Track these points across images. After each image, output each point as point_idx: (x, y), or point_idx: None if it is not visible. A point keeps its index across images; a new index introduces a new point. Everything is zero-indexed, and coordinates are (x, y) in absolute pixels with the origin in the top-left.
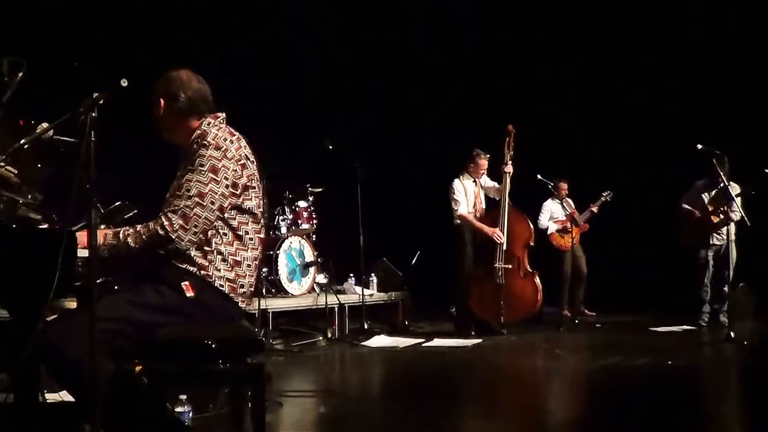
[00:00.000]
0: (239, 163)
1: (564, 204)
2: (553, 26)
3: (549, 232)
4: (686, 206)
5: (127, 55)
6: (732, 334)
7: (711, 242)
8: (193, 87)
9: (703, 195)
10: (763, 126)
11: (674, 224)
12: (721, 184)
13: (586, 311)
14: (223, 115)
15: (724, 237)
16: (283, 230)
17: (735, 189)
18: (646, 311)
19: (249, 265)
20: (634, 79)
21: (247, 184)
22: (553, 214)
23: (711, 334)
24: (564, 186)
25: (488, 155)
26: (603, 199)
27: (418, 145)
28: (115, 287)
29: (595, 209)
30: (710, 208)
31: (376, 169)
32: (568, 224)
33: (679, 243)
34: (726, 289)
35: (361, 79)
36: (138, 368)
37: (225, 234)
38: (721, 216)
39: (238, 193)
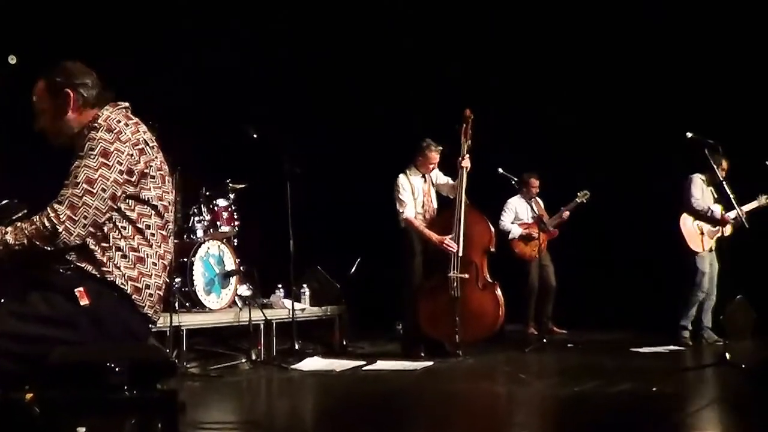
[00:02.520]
0: (136, 147)
1: (532, 204)
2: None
3: (511, 237)
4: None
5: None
6: (727, 355)
7: (710, 247)
8: (94, 74)
9: (706, 191)
10: (760, 117)
11: (675, 228)
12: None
13: (554, 329)
14: (126, 104)
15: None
16: (199, 233)
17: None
18: (626, 329)
19: (155, 264)
20: (615, 60)
21: (145, 171)
22: (518, 213)
23: (702, 356)
24: (535, 182)
25: (440, 148)
26: (578, 200)
27: (358, 133)
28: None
29: (566, 214)
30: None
31: (309, 162)
32: (535, 230)
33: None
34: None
35: (290, 56)
36: (28, 396)
37: (124, 227)
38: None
39: (134, 180)
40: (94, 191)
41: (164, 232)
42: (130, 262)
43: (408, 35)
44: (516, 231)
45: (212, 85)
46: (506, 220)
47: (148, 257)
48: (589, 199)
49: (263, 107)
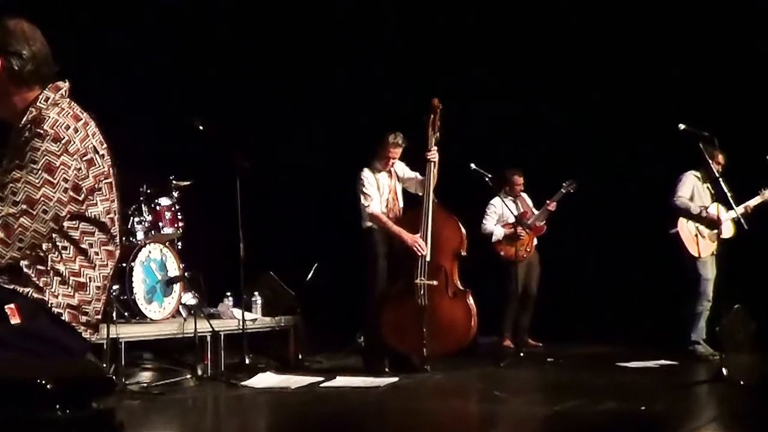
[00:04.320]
0: (84, 159)
1: (518, 202)
2: None
3: (495, 239)
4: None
5: None
6: (724, 371)
7: (712, 252)
8: (38, 44)
9: (702, 190)
10: (759, 110)
11: (669, 232)
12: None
13: (530, 341)
14: (67, 85)
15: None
16: (140, 236)
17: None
18: (612, 341)
19: (98, 288)
20: (605, 46)
21: (94, 186)
22: (503, 216)
23: (696, 371)
24: (519, 180)
25: (401, 143)
26: (564, 190)
27: (316, 126)
28: None
29: (552, 207)
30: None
31: (260, 157)
32: (520, 229)
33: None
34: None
35: (242, 41)
36: None
37: (65, 248)
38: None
39: (80, 198)
40: (34, 213)
41: (110, 248)
42: (70, 289)
43: (374, 22)
44: (499, 232)
45: (156, 72)
46: (489, 223)
47: (90, 281)
48: (576, 189)
49: (211, 97)
